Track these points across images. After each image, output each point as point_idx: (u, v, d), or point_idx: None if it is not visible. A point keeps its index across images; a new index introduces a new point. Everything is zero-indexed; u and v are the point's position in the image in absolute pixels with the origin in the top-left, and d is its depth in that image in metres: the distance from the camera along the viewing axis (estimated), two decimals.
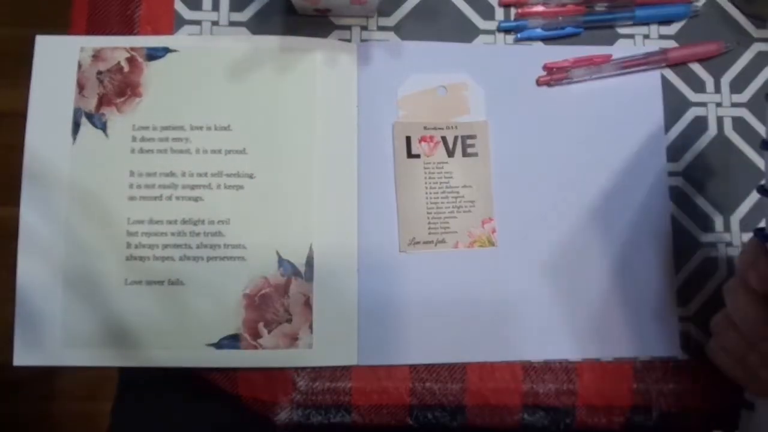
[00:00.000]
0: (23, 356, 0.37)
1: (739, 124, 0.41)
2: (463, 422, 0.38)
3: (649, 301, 0.39)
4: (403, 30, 0.41)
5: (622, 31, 0.42)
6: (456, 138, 0.40)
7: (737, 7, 0.42)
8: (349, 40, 0.40)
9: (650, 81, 0.41)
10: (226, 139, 0.39)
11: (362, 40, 0.41)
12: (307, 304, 0.37)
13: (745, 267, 0.31)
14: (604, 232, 0.40)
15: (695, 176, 0.40)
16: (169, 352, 0.37)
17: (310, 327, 0.37)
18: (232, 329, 0.37)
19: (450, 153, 0.40)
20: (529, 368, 0.39)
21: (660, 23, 0.42)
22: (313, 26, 0.40)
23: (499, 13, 0.41)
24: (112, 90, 0.39)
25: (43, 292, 0.37)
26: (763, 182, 0.31)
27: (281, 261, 0.38)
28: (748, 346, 0.33)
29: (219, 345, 0.37)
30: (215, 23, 0.40)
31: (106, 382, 0.90)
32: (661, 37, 0.42)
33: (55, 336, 0.37)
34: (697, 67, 0.41)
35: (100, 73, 0.39)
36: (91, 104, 0.39)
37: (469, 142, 0.40)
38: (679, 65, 0.41)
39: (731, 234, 0.40)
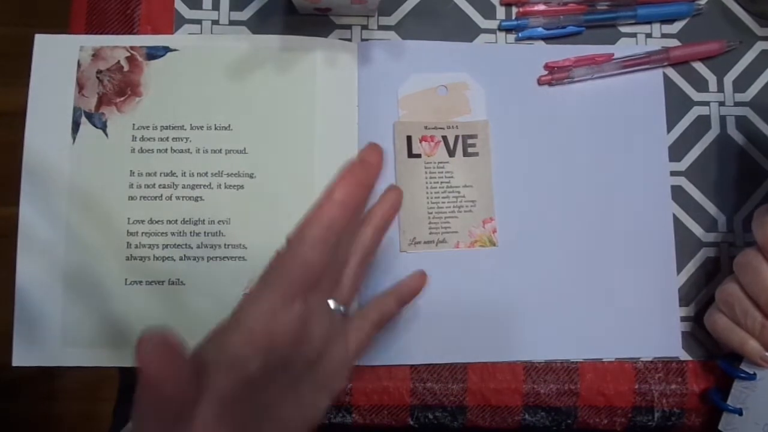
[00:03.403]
0: (23, 356, 0.37)
1: (743, 123, 0.41)
2: (464, 423, 0.38)
3: (650, 301, 0.39)
4: (403, 29, 0.41)
5: (624, 29, 0.41)
6: (457, 138, 0.40)
7: (741, 5, 0.42)
8: (349, 40, 0.40)
9: (652, 80, 0.41)
10: (226, 138, 0.39)
11: (363, 40, 0.40)
12: None
13: None
14: (606, 231, 0.39)
15: (697, 176, 0.40)
16: None
17: None
18: None
19: (451, 153, 0.40)
20: (530, 368, 0.38)
21: (662, 22, 0.41)
22: (314, 25, 0.40)
23: (500, 12, 0.41)
24: (111, 89, 0.39)
25: (43, 292, 0.37)
26: None
27: None
28: (767, 317, 0.33)
29: None
30: (215, 22, 0.40)
31: (106, 382, 0.90)
32: (664, 35, 0.41)
33: (54, 336, 0.37)
34: (699, 66, 0.41)
35: (99, 72, 0.39)
36: (90, 104, 0.38)
37: (470, 141, 0.40)
38: (681, 64, 0.41)
39: (734, 234, 0.40)
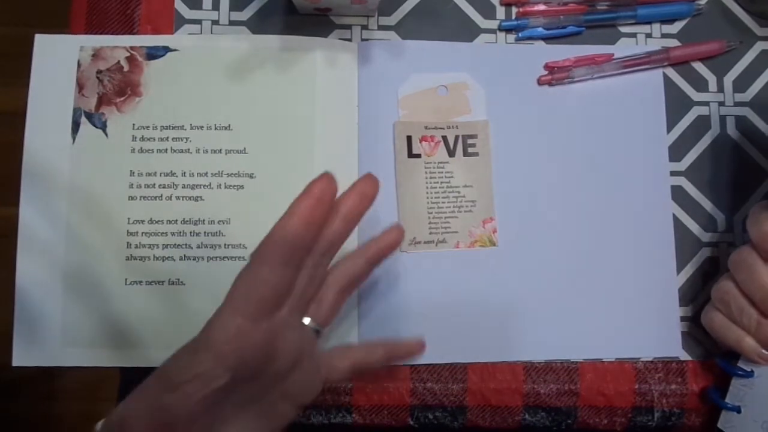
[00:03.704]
0: (23, 356, 0.37)
1: (742, 123, 0.41)
2: (464, 423, 0.38)
3: (650, 301, 0.39)
4: (403, 29, 0.41)
5: (624, 29, 0.41)
6: (457, 138, 0.40)
7: (741, 5, 0.42)
8: (349, 40, 0.40)
9: (652, 80, 0.41)
10: (226, 138, 0.39)
11: (363, 40, 0.40)
12: None
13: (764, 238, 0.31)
14: (606, 231, 0.39)
15: (697, 176, 0.40)
16: (170, 352, 0.36)
17: None
18: None
19: (451, 153, 0.40)
20: (530, 368, 0.38)
21: (662, 22, 0.41)
22: (314, 25, 0.40)
23: (500, 12, 0.41)
24: (111, 89, 0.39)
25: (43, 292, 0.37)
26: None
27: None
28: (762, 314, 0.33)
29: None
30: (215, 22, 0.40)
31: (106, 382, 0.90)
32: (664, 35, 0.41)
33: (54, 336, 0.37)
34: (699, 66, 0.41)
35: (99, 72, 0.39)
36: (90, 104, 0.38)
37: (470, 141, 0.40)
38: (681, 64, 0.41)
39: (734, 234, 0.40)
